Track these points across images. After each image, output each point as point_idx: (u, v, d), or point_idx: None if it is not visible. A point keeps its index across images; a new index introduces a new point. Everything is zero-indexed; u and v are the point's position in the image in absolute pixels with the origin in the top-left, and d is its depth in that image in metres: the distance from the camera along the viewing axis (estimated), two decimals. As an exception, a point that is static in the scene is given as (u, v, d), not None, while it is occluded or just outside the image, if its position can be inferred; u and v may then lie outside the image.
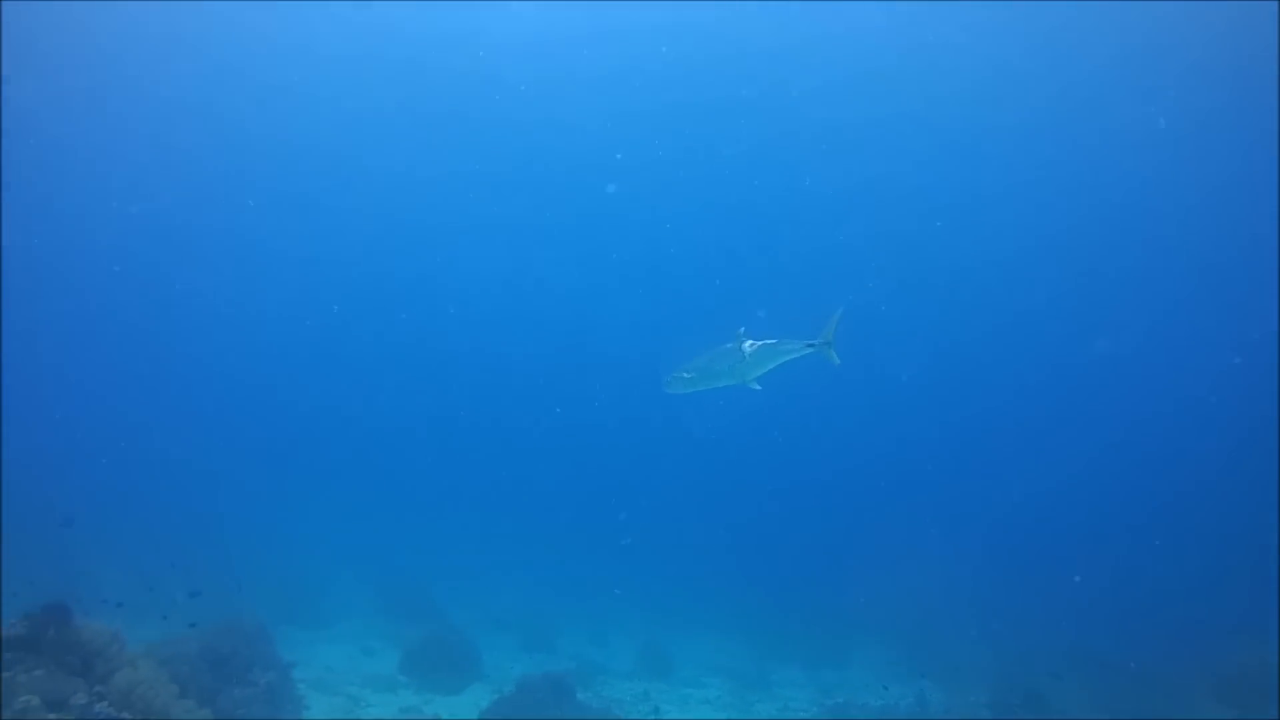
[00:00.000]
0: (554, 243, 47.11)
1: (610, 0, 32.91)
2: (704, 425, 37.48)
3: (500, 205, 43.96)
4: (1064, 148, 36.74)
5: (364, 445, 41.76)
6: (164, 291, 44.36)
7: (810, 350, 9.10)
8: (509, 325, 47.96)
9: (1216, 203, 35.43)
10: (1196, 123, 32.11)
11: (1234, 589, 23.00)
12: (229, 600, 13.40)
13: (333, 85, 37.86)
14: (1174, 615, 21.21)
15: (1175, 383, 40.36)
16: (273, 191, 43.05)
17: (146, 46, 34.44)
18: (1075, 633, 20.01)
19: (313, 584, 22.39)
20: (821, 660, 21.34)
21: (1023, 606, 22.69)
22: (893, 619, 21.59)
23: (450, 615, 21.53)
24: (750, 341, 8.99)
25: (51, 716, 8.36)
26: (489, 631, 21.08)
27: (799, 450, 41.40)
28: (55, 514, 14.83)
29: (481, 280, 47.53)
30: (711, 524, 34.31)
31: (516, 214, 44.71)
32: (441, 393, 46.08)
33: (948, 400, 43.58)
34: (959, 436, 43.31)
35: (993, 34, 31.91)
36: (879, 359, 39.85)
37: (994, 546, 28.18)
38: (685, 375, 9.02)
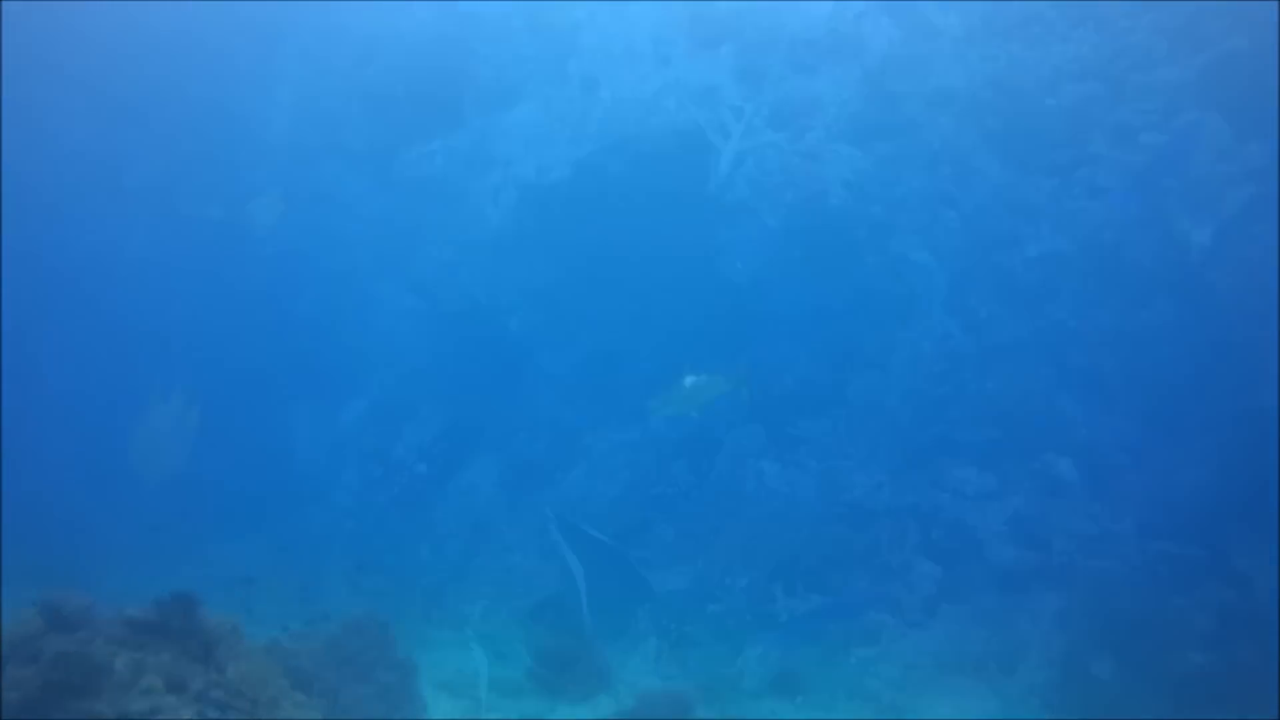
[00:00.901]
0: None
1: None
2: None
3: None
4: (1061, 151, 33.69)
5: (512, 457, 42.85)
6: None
7: (728, 388, 10.31)
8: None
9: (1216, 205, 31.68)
10: (1196, 123, 28.92)
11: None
12: (360, 602, 14.09)
13: (333, 85, 37.94)
14: None
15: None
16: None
17: (146, 47, 34.99)
18: None
19: (452, 588, 23.19)
20: (974, 685, 19.97)
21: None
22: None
23: (589, 624, 21.71)
24: (690, 379, 10.32)
25: (171, 698, 9.08)
26: (627, 643, 21.09)
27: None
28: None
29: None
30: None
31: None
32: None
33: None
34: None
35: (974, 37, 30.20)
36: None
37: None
38: (659, 404, 10.39)
